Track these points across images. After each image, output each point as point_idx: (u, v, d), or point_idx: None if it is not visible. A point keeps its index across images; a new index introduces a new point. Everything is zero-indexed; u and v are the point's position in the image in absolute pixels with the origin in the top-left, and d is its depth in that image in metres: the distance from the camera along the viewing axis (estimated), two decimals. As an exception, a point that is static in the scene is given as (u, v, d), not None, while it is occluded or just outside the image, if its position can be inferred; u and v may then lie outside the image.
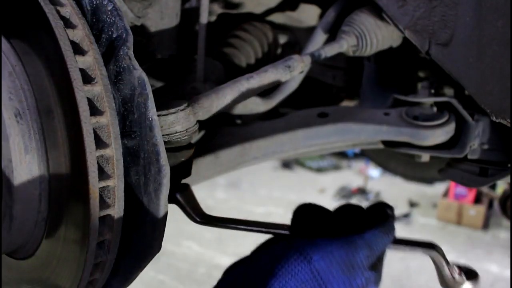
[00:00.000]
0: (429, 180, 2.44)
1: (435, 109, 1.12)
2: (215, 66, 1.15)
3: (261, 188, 6.12)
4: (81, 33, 0.60)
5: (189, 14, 1.21)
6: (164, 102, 0.69)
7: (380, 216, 0.74)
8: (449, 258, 0.75)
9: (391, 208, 0.77)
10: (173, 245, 4.29)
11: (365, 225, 0.71)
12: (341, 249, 0.64)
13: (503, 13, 0.81)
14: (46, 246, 0.66)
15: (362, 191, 6.07)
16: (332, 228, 0.72)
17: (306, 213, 0.76)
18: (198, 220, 0.76)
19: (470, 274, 0.77)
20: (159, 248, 0.65)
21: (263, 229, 0.77)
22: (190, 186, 0.78)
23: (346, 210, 0.76)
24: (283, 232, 0.75)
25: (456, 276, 0.76)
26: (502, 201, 4.98)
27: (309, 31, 1.32)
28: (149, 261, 0.66)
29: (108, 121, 0.59)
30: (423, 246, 0.76)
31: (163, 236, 0.64)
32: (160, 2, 1.03)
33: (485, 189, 5.21)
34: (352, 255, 0.64)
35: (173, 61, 1.15)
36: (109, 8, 0.61)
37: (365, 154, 2.82)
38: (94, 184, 0.57)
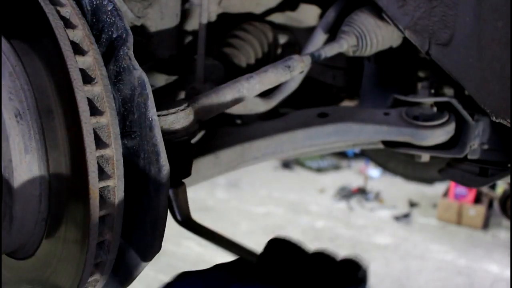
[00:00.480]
0: (429, 180, 2.44)
1: (435, 109, 1.13)
2: (215, 66, 1.15)
3: (261, 188, 6.12)
4: (81, 33, 0.60)
5: (189, 14, 1.21)
6: (164, 102, 0.69)
7: (353, 278, 0.71)
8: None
9: (364, 270, 0.74)
10: (173, 245, 4.29)
11: (336, 282, 0.69)
12: None
13: (503, 14, 0.81)
14: (46, 246, 0.66)
15: (362, 191, 6.07)
16: (303, 274, 0.70)
17: (280, 247, 0.74)
18: (179, 219, 0.75)
19: None
20: (159, 248, 0.64)
21: (235, 252, 0.75)
22: (185, 186, 0.77)
23: (321, 258, 0.74)
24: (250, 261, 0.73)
25: None
26: (502, 201, 4.98)
27: (309, 31, 1.32)
28: (149, 261, 0.66)
29: (108, 121, 0.59)
30: None
31: (163, 236, 0.64)
32: (160, 2, 1.03)
33: (485, 189, 5.21)
34: None
35: (173, 61, 1.15)
36: (109, 8, 0.61)
37: (365, 154, 2.82)
38: (94, 184, 0.57)
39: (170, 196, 0.73)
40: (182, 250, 4.28)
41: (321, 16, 1.34)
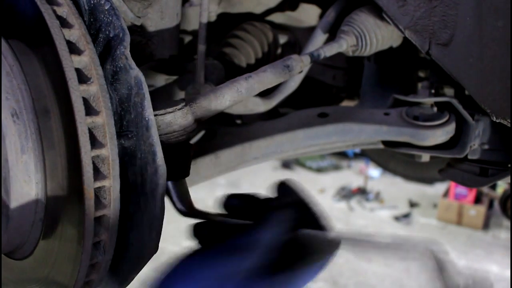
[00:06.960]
0: (429, 180, 2.44)
1: (435, 109, 1.12)
2: (215, 66, 1.15)
3: (261, 188, 6.10)
4: (77, 33, 0.60)
5: (189, 14, 1.20)
6: (162, 101, 0.68)
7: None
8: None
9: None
10: (173, 245, 4.29)
11: None
12: None
13: (503, 13, 0.81)
14: (44, 245, 0.66)
15: (362, 191, 6.07)
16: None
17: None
18: (184, 211, 0.73)
19: None
20: (156, 248, 0.64)
21: None
22: (185, 181, 0.76)
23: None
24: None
25: None
26: (503, 201, 4.99)
27: (309, 31, 1.32)
28: (147, 262, 0.65)
29: (104, 121, 0.59)
30: None
31: (160, 236, 0.63)
32: (160, 2, 1.02)
33: (485, 189, 5.21)
34: None
35: (173, 61, 1.15)
36: (106, 8, 0.61)
37: (365, 154, 2.81)
38: (89, 184, 0.56)
39: (169, 189, 0.73)
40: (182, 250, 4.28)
41: (321, 16, 1.34)
